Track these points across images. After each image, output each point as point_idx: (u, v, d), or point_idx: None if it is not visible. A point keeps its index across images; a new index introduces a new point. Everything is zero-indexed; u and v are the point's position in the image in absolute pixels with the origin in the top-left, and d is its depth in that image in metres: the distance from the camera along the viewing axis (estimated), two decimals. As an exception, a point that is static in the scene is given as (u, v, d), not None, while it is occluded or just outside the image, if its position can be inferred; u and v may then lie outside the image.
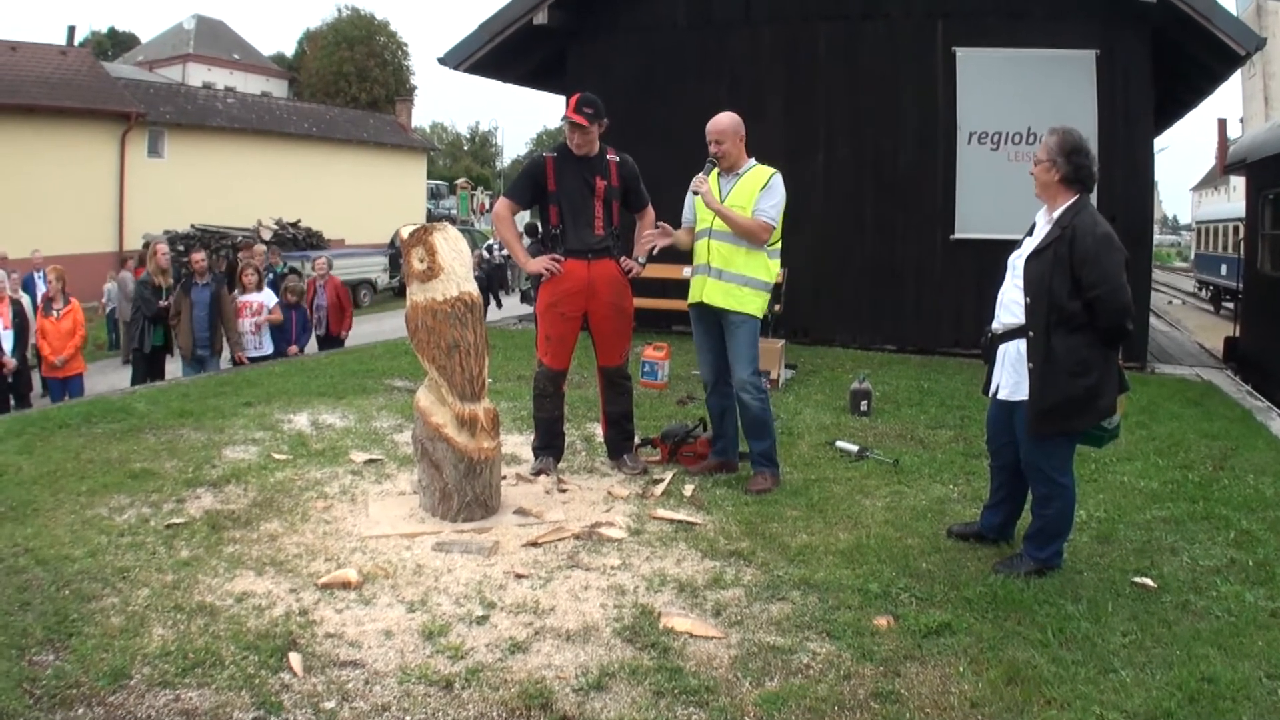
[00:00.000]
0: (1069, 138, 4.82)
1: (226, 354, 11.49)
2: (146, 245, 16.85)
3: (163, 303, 11.38)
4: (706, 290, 6.15)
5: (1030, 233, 4.97)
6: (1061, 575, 4.79)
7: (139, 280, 12.48)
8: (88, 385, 11.59)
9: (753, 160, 6.26)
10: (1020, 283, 4.81)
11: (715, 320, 6.26)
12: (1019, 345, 4.80)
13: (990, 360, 5.09)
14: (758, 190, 6.10)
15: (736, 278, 6.10)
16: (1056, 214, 4.78)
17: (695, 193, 6.13)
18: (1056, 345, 4.63)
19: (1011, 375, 4.88)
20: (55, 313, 11.13)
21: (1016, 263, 4.91)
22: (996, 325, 5.01)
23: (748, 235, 6.06)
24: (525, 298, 17.10)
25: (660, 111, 13.38)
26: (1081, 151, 4.78)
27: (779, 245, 6.26)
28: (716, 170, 6.23)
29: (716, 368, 6.39)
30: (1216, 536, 5.48)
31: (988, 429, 5.31)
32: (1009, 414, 4.95)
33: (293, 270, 16.26)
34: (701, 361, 6.47)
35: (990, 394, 5.11)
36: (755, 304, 6.15)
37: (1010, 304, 4.90)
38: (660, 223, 6.37)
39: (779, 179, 6.17)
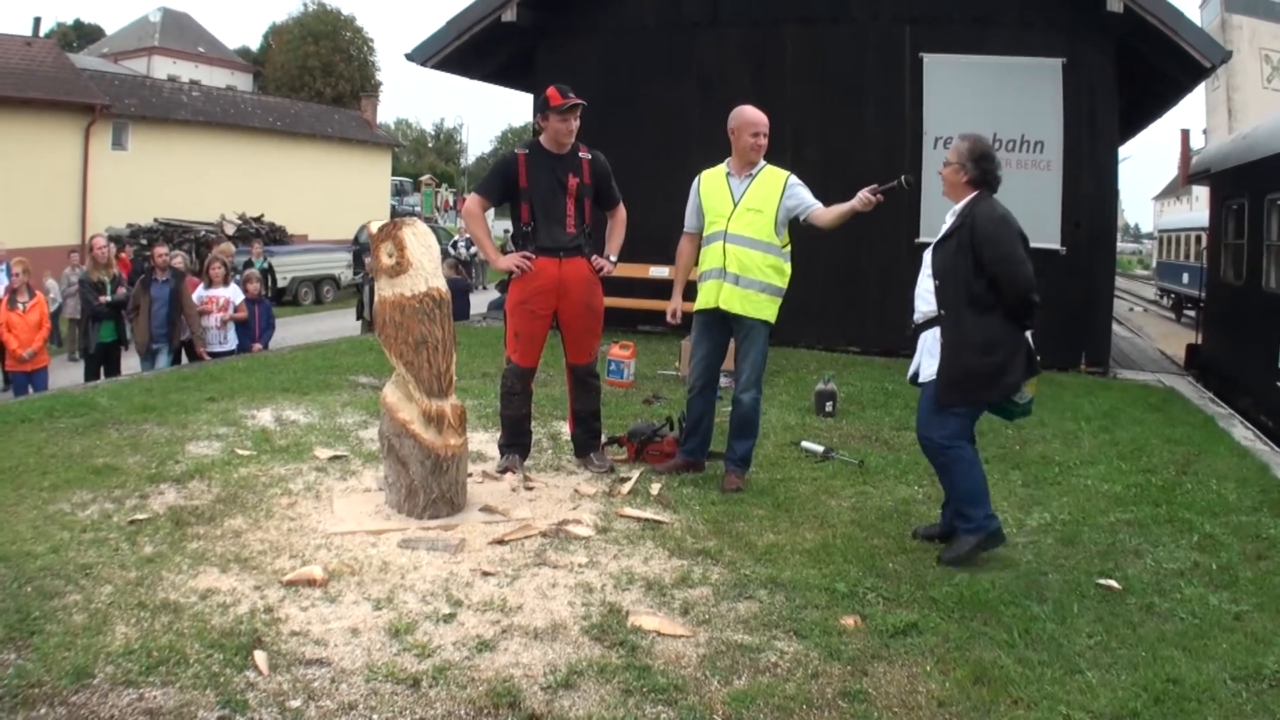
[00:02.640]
0: (979, 145, 5.18)
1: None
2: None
3: (104, 297, 11.23)
4: (724, 296, 6.11)
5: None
6: (1027, 577, 4.83)
7: (80, 279, 12.28)
8: (49, 380, 11.46)
9: (764, 161, 6.26)
10: (930, 271, 5.12)
11: (725, 326, 6.25)
12: (936, 331, 5.07)
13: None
14: (778, 191, 6.14)
15: (755, 283, 6.09)
16: (959, 207, 5.12)
17: (878, 198, 5.85)
18: (966, 322, 4.94)
19: (930, 360, 5.11)
20: (21, 306, 11.02)
21: (927, 255, 5.22)
22: (917, 316, 5.26)
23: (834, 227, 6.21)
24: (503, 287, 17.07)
25: (629, 112, 13.38)
26: (989, 158, 5.15)
27: (789, 248, 6.26)
28: (728, 170, 6.25)
29: (709, 373, 6.39)
30: (1180, 540, 5.53)
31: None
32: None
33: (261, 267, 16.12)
34: (695, 365, 6.42)
35: (912, 379, 5.34)
36: (770, 310, 6.16)
37: (924, 293, 5.19)
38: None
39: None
